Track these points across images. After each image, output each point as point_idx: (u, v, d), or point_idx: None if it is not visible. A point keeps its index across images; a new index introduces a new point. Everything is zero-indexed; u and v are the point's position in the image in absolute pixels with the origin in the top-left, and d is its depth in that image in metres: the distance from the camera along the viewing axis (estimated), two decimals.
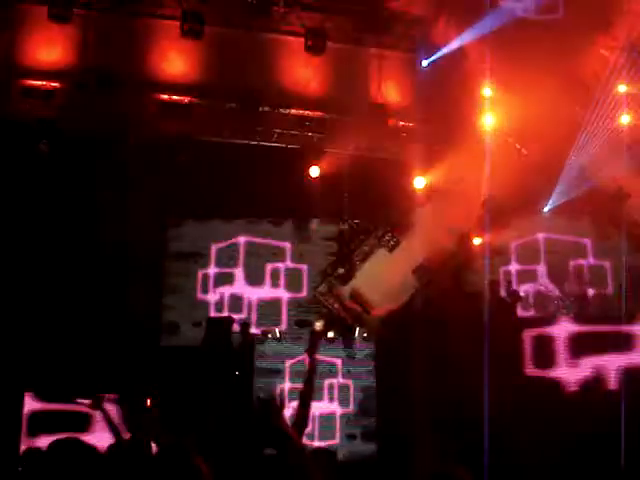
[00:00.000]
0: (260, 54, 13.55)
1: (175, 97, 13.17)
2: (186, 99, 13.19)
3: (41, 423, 11.07)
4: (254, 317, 13.52)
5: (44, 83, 12.50)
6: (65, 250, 12.50)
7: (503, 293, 12.22)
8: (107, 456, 5.35)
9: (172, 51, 13.28)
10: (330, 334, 12.01)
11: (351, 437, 12.41)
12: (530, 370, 11.86)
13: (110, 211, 12.69)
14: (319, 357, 10.88)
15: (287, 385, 12.10)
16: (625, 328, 11.24)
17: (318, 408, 11.78)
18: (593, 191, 13.94)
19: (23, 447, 10.27)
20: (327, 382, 12.53)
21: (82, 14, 12.72)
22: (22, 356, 11.43)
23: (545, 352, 11.53)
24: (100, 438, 6.94)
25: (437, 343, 12.05)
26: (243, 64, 13.22)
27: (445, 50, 13.63)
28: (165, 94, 13.15)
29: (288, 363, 12.15)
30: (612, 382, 10.92)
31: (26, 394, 11.32)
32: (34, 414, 11.23)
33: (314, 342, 6.66)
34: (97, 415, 9.78)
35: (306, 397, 4.62)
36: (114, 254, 12.62)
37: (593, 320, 12.43)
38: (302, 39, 13.56)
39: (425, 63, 13.83)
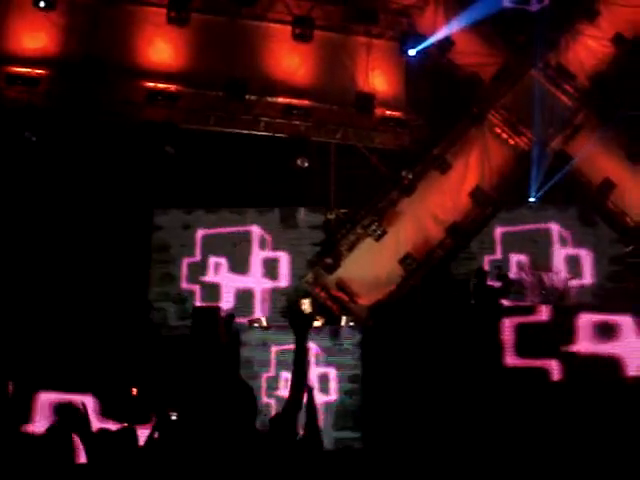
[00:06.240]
0: (247, 42, 13.50)
1: (161, 85, 13.10)
2: (172, 87, 13.12)
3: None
4: (238, 306, 13.46)
5: (29, 70, 12.39)
6: (51, 239, 12.38)
7: (490, 280, 12.21)
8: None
9: (158, 38, 13.18)
10: (317, 323, 11.95)
11: (335, 426, 12.37)
12: (513, 359, 11.80)
13: (95, 200, 12.61)
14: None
15: (272, 374, 12.07)
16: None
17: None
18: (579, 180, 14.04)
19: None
20: (313, 371, 12.49)
21: (67, 0, 12.63)
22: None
23: (531, 341, 11.49)
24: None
25: (423, 331, 12.03)
26: (229, 52, 13.17)
27: (432, 39, 13.67)
28: (151, 82, 13.07)
29: (273, 351, 12.10)
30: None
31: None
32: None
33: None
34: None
35: (299, 380, 4.67)
36: (100, 243, 12.55)
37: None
38: (289, 27, 13.56)
39: (412, 52, 13.84)
